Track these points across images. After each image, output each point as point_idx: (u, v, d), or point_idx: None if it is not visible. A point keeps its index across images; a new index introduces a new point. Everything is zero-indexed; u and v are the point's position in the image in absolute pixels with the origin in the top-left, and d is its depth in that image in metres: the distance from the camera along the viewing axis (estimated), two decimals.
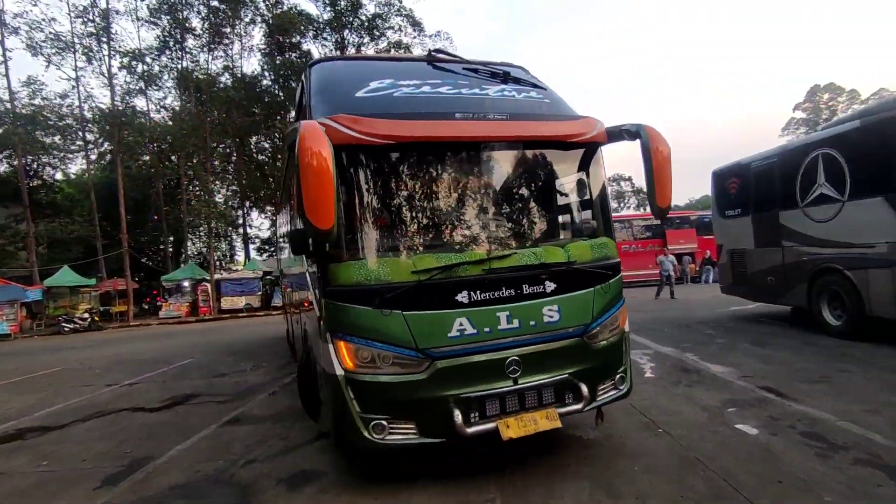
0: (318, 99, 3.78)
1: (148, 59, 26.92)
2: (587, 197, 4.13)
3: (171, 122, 28.55)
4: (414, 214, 3.72)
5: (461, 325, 3.36)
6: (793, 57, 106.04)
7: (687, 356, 7.20)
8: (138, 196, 33.13)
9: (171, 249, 35.22)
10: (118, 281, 25.30)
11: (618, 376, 3.87)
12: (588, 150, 4.01)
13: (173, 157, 31.32)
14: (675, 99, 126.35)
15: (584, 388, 3.57)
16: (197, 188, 31.32)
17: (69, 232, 28.56)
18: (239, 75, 30.63)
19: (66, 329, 21.11)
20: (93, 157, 32.92)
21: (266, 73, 31.60)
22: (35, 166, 33.19)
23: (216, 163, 35.06)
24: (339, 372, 3.27)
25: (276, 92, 31.23)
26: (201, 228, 34.39)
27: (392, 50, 33.94)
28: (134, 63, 26.24)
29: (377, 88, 3.74)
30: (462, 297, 3.37)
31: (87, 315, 21.99)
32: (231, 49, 31.34)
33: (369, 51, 33.77)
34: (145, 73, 26.62)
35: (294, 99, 6.58)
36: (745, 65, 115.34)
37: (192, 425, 5.59)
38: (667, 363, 6.92)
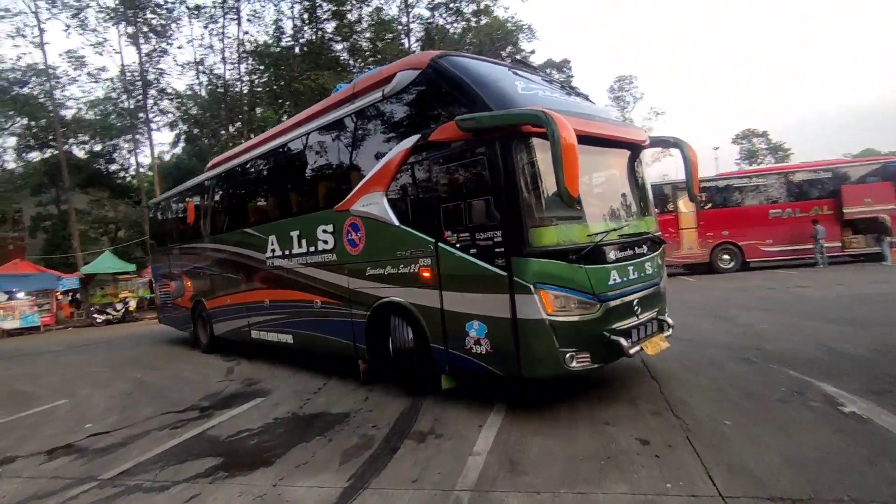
0: (489, 91, 4.41)
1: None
2: (644, 184, 5.43)
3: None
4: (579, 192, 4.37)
5: (614, 276, 4.42)
6: None
7: None
8: None
9: None
10: None
11: (667, 313, 5.25)
12: (641, 151, 5.41)
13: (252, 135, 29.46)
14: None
15: (669, 320, 5.15)
16: None
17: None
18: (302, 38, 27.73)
19: (98, 321, 19.34)
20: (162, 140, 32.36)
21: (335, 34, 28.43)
22: (110, 150, 33.02)
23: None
24: (544, 316, 4.03)
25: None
26: None
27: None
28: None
29: (525, 88, 4.76)
30: (612, 255, 4.48)
31: (120, 305, 20.10)
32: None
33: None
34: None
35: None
36: None
37: None
38: None
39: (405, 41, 29.87)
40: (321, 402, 5.50)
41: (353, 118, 5.87)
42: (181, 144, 35.96)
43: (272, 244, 7.24)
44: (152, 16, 23.93)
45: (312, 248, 6.40)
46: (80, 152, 31.94)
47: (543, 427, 4.09)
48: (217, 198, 9.24)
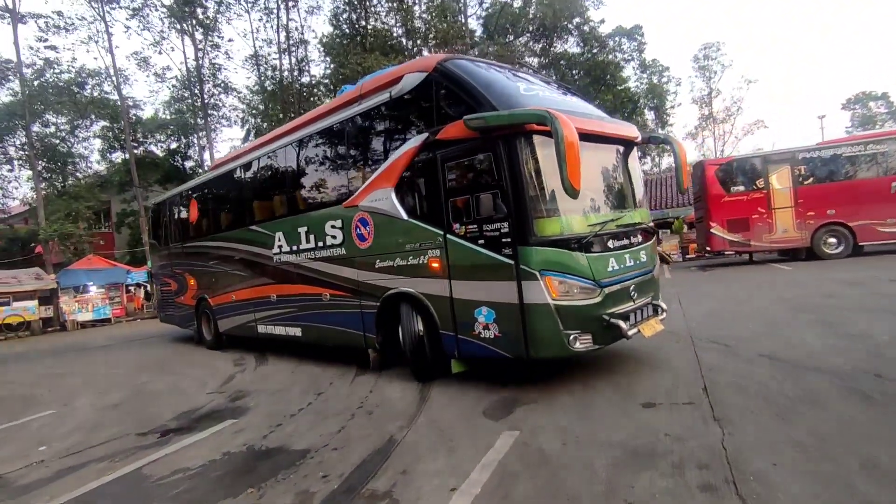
0: (493, 92, 4.66)
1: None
2: (637, 177, 5.66)
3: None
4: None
5: (612, 263, 4.67)
6: None
7: None
8: None
9: None
10: None
11: (660, 298, 5.46)
12: (633, 147, 5.62)
13: None
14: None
15: (663, 304, 5.40)
16: None
17: None
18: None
19: None
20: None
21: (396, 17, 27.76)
22: (184, 147, 34.57)
23: None
24: (549, 300, 4.27)
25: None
26: None
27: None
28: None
29: (527, 89, 5.03)
30: (610, 244, 4.74)
31: None
32: None
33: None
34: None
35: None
36: None
37: None
38: None
39: (459, 17, 28.48)
40: (289, 430, 4.55)
41: (360, 118, 6.02)
42: (251, 138, 37.16)
43: (279, 240, 7.30)
44: (200, 9, 24.36)
45: (321, 244, 6.51)
46: (158, 150, 33.75)
47: (540, 499, 2.83)
48: (222, 196, 9.22)
